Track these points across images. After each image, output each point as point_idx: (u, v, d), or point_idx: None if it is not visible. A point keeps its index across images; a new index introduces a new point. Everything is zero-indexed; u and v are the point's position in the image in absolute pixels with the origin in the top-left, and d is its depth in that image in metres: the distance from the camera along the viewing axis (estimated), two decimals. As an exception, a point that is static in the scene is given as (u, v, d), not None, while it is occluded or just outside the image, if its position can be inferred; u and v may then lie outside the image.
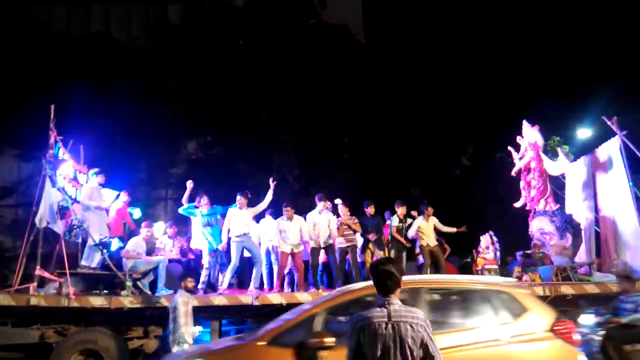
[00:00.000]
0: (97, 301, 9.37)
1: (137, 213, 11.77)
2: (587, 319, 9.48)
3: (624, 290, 8.79)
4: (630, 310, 8.34)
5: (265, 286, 11.31)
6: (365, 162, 23.07)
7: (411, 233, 11.77)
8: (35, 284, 9.22)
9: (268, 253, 11.84)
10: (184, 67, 22.54)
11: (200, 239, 11.54)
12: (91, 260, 10.10)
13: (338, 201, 12.05)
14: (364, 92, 22.95)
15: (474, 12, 23.99)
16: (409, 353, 3.88)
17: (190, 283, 8.67)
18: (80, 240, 10.52)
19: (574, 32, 23.14)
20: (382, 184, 21.05)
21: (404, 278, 4.59)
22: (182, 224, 14.05)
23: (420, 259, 12.09)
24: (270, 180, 11.32)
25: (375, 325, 3.96)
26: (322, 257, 11.68)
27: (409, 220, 11.98)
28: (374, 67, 23.36)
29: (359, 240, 11.93)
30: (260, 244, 11.82)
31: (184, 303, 8.32)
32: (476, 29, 23.53)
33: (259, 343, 6.07)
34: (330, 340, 5.47)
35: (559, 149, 13.35)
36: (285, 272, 11.66)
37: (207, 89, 22.38)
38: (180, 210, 11.95)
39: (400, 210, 11.97)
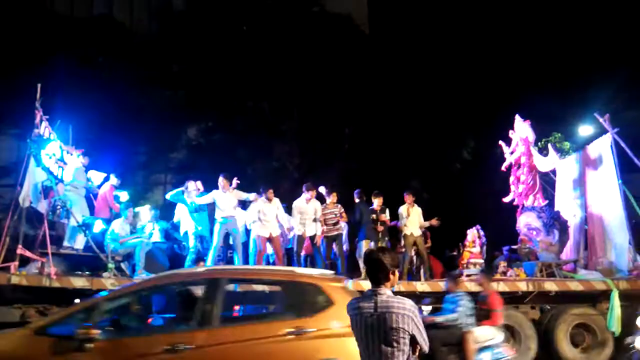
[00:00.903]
0: (78, 282, 9.40)
1: (124, 196, 11.78)
2: None
3: (449, 289, 8.48)
4: (449, 310, 8.05)
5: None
6: (366, 153, 23.02)
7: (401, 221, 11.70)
8: (16, 263, 9.24)
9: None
10: (187, 52, 22.53)
11: (187, 223, 11.57)
12: (75, 241, 10.12)
13: (322, 189, 11.99)
14: (366, 83, 22.87)
15: (478, 4, 23.79)
16: (394, 344, 3.84)
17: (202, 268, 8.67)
18: (66, 221, 10.54)
19: (577, 26, 22.90)
20: (381, 175, 21.00)
21: (203, 268, 4.52)
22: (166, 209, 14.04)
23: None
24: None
25: (362, 316, 3.97)
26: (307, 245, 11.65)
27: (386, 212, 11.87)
28: (376, 58, 23.25)
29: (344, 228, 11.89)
30: (248, 230, 11.77)
31: None
32: (480, 22, 23.35)
33: (24, 332, 5.78)
34: (95, 332, 5.29)
35: (549, 145, 13.24)
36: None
37: (209, 75, 22.35)
38: (167, 197, 12.01)
39: (377, 202, 11.83)
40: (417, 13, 24.22)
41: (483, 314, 8.14)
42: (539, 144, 14.75)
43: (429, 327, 7.85)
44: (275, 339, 5.58)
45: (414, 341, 3.91)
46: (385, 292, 4.00)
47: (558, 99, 21.56)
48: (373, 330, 3.90)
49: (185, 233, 11.53)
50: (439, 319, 7.98)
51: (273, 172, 22.15)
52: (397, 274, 4.11)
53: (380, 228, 11.45)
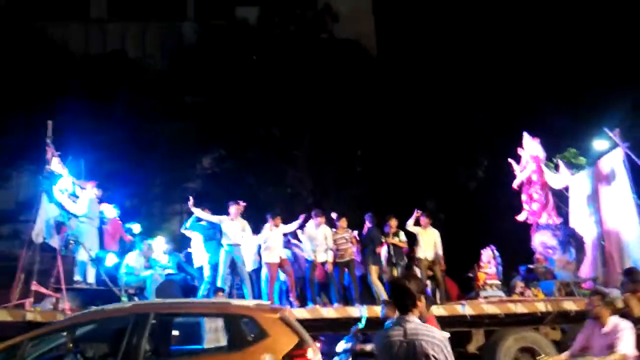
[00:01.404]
0: (92, 316, 9.40)
1: (136, 228, 11.83)
2: (341, 345, 9.01)
3: (385, 315, 8.36)
4: None
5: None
6: (379, 175, 23.00)
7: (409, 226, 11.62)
8: (31, 299, 9.28)
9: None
10: (198, 84, 22.86)
11: (202, 253, 11.56)
12: (86, 276, 10.16)
13: (333, 215, 11.95)
14: (376, 106, 22.97)
15: (486, 24, 23.84)
16: None
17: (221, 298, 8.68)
18: (77, 256, 10.59)
19: (592, 41, 22.86)
20: (396, 197, 20.95)
21: (132, 303, 4.39)
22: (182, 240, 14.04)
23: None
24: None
25: (392, 344, 3.91)
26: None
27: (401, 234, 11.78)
28: (385, 80, 23.36)
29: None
30: (260, 257, 11.73)
31: None
32: (489, 42, 23.38)
33: None
34: None
35: (560, 162, 13.11)
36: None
37: (220, 105, 22.63)
38: (183, 229, 12.05)
39: (391, 224, 11.75)
40: (425, 33, 24.31)
41: None
42: (554, 160, 14.64)
43: (359, 355, 7.77)
44: None
45: None
46: (414, 319, 3.96)
47: (572, 115, 21.43)
48: (402, 357, 3.85)
49: (200, 266, 11.51)
50: (368, 347, 7.83)
51: (286, 198, 22.20)
52: (423, 300, 4.07)
53: (379, 250, 11.37)
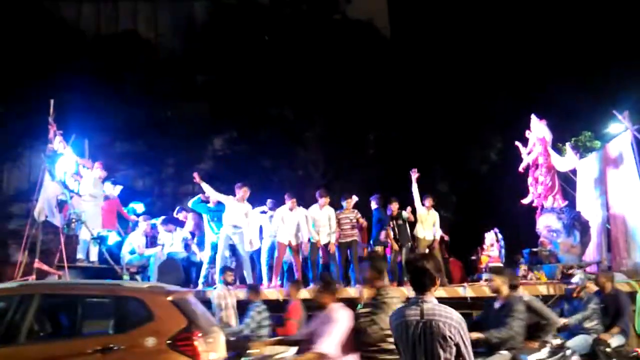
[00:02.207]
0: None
1: (140, 208, 11.88)
2: None
3: (249, 298, 8.35)
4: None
5: (265, 281, 11.29)
6: (391, 157, 22.84)
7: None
8: (34, 276, 9.39)
9: (272, 247, 11.76)
10: (210, 64, 22.80)
11: (206, 233, 11.61)
12: (89, 254, 10.26)
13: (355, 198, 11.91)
14: (389, 87, 22.75)
15: (502, 2, 23.48)
16: (440, 352, 3.73)
17: (229, 277, 8.84)
18: (79, 234, 10.68)
19: (608, 22, 22.44)
20: (407, 180, 20.85)
21: (17, 284, 4.32)
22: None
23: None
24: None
25: (407, 324, 3.85)
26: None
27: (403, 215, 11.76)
28: (399, 62, 23.10)
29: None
30: (262, 237, 11.75)
31: (218, 297, 8.43)
32: (506, 21, 23.03)
33: None
34: None
35: (567, 145, 12.91)
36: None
37: (232, 85, 22.55)
38: (189, 204, 12.12)
39: (393, 207, 11.73)
40: (438, 14, 23.98)
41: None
42: (569, 142, 14.39)
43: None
44: (81, 357, 5.44)
45: (458, 353, 3.78)
46: (431, 299, 3.90)
47: (589, 97, 21.11)
48: (418, 338, 3.79)
49: (202, 242, 11.56)
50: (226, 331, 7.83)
51: (298, 180, 22.16)
52: (438, 280, 4.01)
53: (389, 233, 11.36)
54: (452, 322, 3.77)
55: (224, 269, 9.23)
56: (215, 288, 9.35)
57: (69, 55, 20.99)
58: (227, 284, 8.62)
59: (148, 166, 23.30)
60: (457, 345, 3.74)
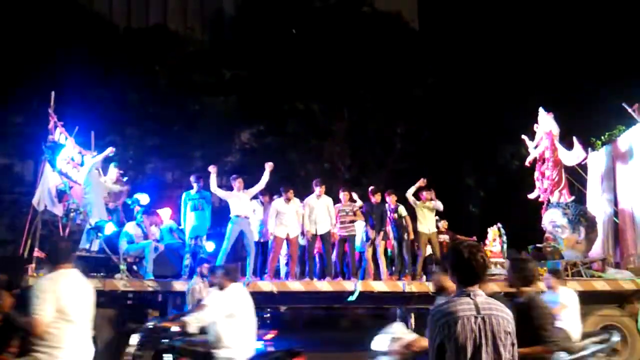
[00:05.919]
0: (91, 283, 9.67)
1: (144, 199, 11.92)
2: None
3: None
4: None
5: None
6: (419, 152, 22.62)
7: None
8: (33, 265, 9.60)
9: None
10: (238, 57, 23.00)
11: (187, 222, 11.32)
12: (91, 244, 10.44)
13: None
14: (418, 80, 22.54)
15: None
16: (502, 350, 3.31)
17: (205, 270, 8.36)
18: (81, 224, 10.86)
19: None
20: (435, 174, 20.60)
21: None
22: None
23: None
24: (267, 164, 11.18)
25: (463, 320, 3.32)
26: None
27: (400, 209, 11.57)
28: (427, 55, 22.85)
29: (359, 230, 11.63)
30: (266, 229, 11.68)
31: (192, 291, 8.46)
32: (534, 14, 22.50)
33: None
34: None
35: (574, 138, 12.47)
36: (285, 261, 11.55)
37: (260, 79, 22.71)
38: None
39: (390, 199, 11.57)
40: (468, 6, 23.58)
41: None
42: (603, 137, 13.93)
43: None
44: None
45: (512, 348, 3.40)
46: (481, 292, 3.44)
47: (621, 92, 20.43)
48: (479, 335, 3.31)
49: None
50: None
51: (324, 174, 22.11)
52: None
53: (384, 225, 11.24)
54: (508, 316, 3.40)
55: (201, 261, 9.09)
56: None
57: (102, 50, 21.44)
58: (202, 276, 8.51)
59: (176, 159, 23.61)
60: (513, 341, 3.38)
